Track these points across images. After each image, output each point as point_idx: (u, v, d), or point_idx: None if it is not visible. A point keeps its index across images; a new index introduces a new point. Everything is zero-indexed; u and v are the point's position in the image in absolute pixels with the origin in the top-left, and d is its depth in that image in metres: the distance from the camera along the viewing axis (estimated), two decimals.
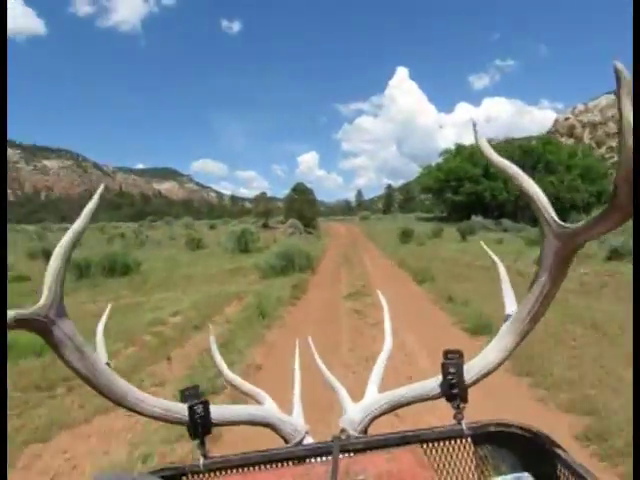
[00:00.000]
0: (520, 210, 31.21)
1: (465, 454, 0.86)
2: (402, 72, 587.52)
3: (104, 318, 1.02)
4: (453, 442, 0.86)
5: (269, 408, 0.97)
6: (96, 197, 0.81)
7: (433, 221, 39.15)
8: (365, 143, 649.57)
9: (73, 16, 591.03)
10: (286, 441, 0.92)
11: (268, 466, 0.83)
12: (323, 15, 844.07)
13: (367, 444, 0.83)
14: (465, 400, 0.85)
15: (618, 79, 0.55)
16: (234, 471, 0.83)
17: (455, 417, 0.85)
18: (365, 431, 0.91)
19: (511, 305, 0.90)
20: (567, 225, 0.72)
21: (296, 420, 0.96)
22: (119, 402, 0.81)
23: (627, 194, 0.59)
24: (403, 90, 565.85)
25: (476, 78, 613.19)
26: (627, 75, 0.55)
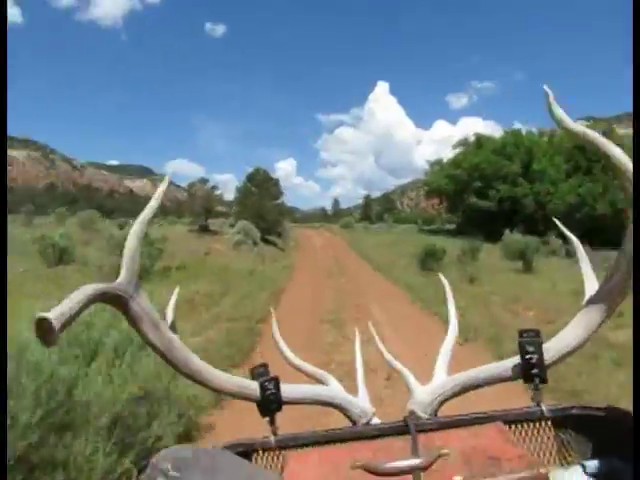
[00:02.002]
0: (576, 224, 22.01)
1: (545, 438, 0.82)
2: (382, 86, 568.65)
3: (174, 297, 1.01)
4: (532, 425, 0.82)
5: (336, 389, 0.96)
6: (164, 183, 0.84)
7: (440, 235, 28.95)
8: (344, 154, 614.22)
9: (52, 7, 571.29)
10: (353, 422, 0.91)
11: (339, 444, 0.82)
12: (309, 25, 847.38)
13: (440, 424, 0.80)
14: (545, 381, 0.81)
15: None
16: (305, 448, 0.83)
17: (533, 399, 0.82)
18: (435, 415, 0.88)
19: (592, 284, 0.88)
20: None
21: (363, 402, 0.95)
22: (194, 377, 0.82)
23: None
24: (383, 104, 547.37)
25: (454, 97, 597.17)
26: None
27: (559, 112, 0.77)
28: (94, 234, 18.48)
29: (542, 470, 0.66)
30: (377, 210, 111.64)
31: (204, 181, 22.95)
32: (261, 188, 22.31)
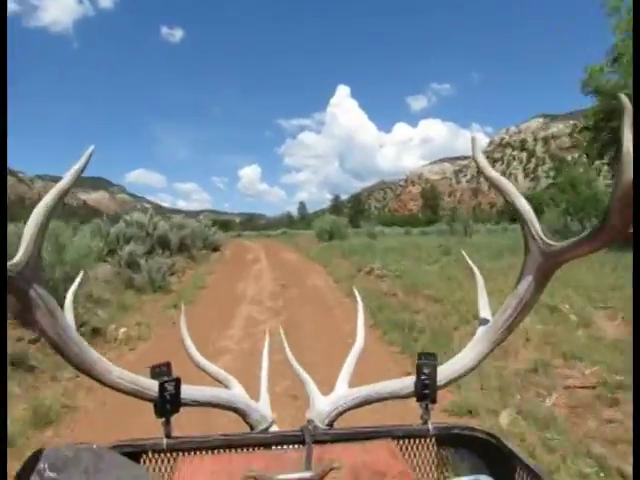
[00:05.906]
0: None
1: (428, 454, 0.87)
2: (343, 90, 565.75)
3: (74, 286, 0.99)
4: (418, 441, 0.87)
5: (238, 393, 0.95)
6: (84, 157, 0.76)
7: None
8: (308, 158, 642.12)
9: None
10: (252, 428, 0.91)
11: (234, 451, 0.80)
12: (267, 32, 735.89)
13: (335, 436, 0.82)
14: (434, 401, 0.86)
15: (623, 110, 0.60)
16: (198, 453, 0.80)
17: (422, 417, 0.87)
18: (331, 425, 0.91)
19: (486, 313, 0.93)
20: (553, 243, 0.76)
21: (263, 408, 0.95)
22: (87, 371, 0.77)
23: (620, 217, 0.62)
24: (344, 108, 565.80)
25: (414, 99, 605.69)
26: (629, 106, 0.60)
27: (483, 162, 0.83)
28: None
29: None
30: (348, 212, 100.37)
31: None
32: None
